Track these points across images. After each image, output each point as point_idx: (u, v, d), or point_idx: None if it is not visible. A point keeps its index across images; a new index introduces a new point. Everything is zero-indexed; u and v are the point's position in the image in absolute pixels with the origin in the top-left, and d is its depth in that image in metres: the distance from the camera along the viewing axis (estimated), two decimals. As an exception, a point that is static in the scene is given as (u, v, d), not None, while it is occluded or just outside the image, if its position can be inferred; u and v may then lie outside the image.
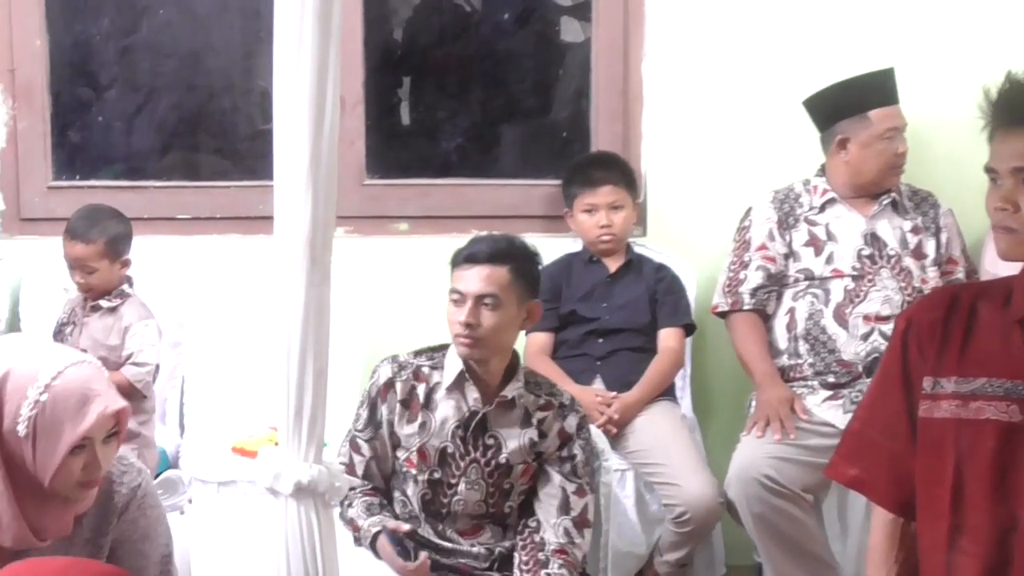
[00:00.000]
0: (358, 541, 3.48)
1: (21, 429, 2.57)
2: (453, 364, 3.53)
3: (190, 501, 3.67)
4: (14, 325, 4.62)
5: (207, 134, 5.55)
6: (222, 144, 5.54)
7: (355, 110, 4.94)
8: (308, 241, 2.30)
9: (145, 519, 2.82)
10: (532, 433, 3.53)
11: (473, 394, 3.52)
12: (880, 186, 4.58)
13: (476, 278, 3.45)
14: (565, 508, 3.52)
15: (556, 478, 3.54)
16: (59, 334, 4.31)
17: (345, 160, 4.65)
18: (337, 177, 2.36)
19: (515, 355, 3.59)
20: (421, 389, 3.56)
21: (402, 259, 4.88)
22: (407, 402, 3.56)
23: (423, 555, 3.38)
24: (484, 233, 3.63)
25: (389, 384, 3.57)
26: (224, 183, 5.12)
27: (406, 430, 3.55)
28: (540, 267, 3.59)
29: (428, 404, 3.54)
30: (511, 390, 3.52)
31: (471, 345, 3.47)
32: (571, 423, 3.56)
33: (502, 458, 3.52)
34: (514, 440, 3.52)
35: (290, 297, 2.34)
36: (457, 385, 3.53)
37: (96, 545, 2.75)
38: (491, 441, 3.53)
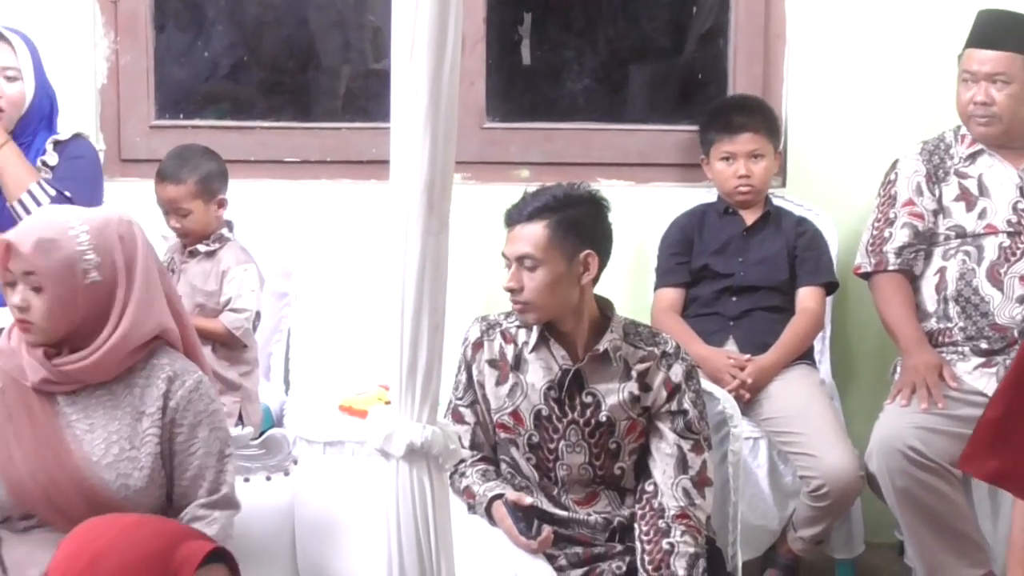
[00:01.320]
0: (472, 509, 3.50)
1: None
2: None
3: (295, 462, 3.70)
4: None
5: (317, 73, 5.57)
6: (333, 83, 5.56)
7: (475, 49, 4.94)
8: (426, 187, 2.30)
9: (202, 405, 3.15)
10: (632, 387, 3.52)
11: (560, 352, 3.52)
12: None
13: (516, 239, 3.46)
14: (682, 467, 3.51)
15: (669, 435, 3.52)
16: (160, 282, 4.36)
17: (464, 102, 4.65)
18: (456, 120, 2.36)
19: (607, 306, 3.57)
20: (510, 350, 3.57)
21: (523, 208, 4.88)
22: (496, 363, 3.58)
23: (546, 530, 3.39)
24: (534, 187, 3.60)
25: (478, 345, 3.60)
26: (335, 124, 5.14)
27: (497, 392, 3.57)
28: (604, 213, 3.53)
29: (518, 366, 3.55)
30: (604, 343, 3.51)
31: (521, 310, 3.49)
32: (677, 372, 3.54)
33: (602, 416, 3.52)
34: (613, 396, 3.52)
35: (405, 247, 2.34)
36: (542, 344, 3.54)
37: (139, 412, 3.10)
38: (588, 399, 3.52)
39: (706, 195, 4.89)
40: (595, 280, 3.51)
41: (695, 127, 4.98)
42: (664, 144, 5.13)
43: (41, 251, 3.00)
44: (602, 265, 3.52)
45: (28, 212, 4.14)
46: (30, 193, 4.17)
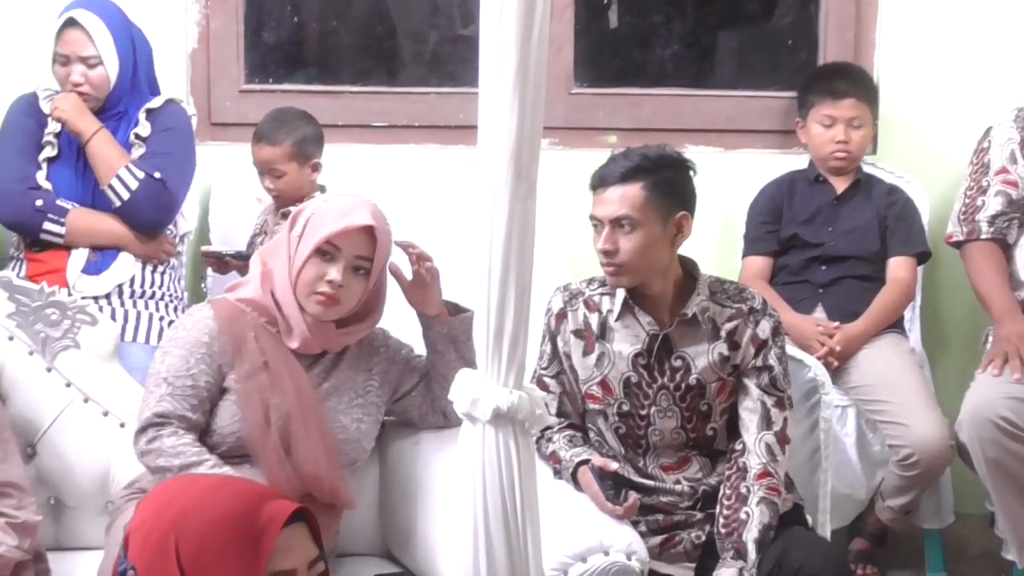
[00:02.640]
0: (558, 474, 3.51)
1: (298, 228, 3.35)
2: (620, 291, 3.54)
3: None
4: (203, 234, 4.72)
5: (405, 37, 5.58)
6: (421, 48, 5.56)
7: (564, 14, 4.94)
8: (513, 152, 2.31)
9: (399, 345, 3.62)
10: (721, 347, 3.51)
11: (646, 318, 3.52)
12: None
13: (610, 201, 3.43)
14: (766, 422, 3.50)
15: (754, 391, 3.52)
16: (251, 245, 4.39)
17: (552, 67, 4.64)
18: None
19: (691, 266, 3.56)
20: (594, 319, 3.57)
21: (610, 174, 4.87)
22: (581, 333, 3.57)
23: (633, 496, 3.39)
24: (620, 149, 3.57)
25: (562, 316, 3.60)
26: (423, 89, 5.15)
27: (585, 363, 3.57)
28: (691, 175, 3.51)
29: (603, 335, 3.55)
30: (692, 306, 3.50)
31: (615, 273, 3.46)
32: (764, 328, 3.52)
33: (692, 379, 3.51)
34: (702, 357, 3.51)
35: (493, 212, 2.35)
36: (627, 311, 3.53)
37: (366, 370, 3.52)
38: (678, 363, 3.52)
39: (795, 162, 4.86)
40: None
41: (785, 93, 4.96)
42: (753, 110, 5.11)
43: (385, 241, 3.36)
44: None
45: (119, 196, 4.23)
46: (119, 178, 4.23)
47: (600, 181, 3.46)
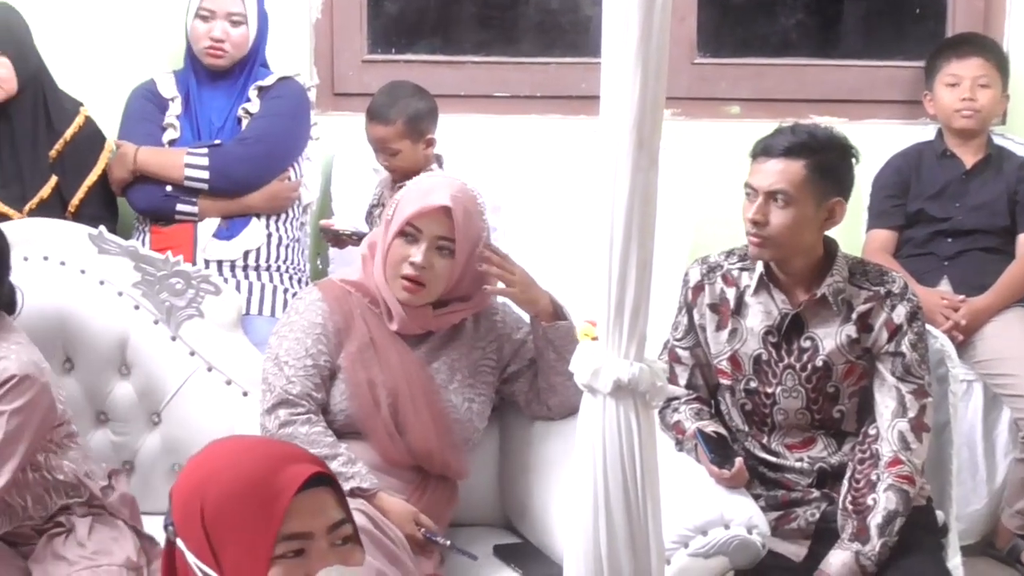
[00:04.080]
0: (680, 444, 3.50)
1: (389, 211, 3.38)
2: (758, 266, 3.50)
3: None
4: (325, 204, 4.76)
5: (527, 7, 5.57)
6: (543, 18, 5.55)
7: (688, -18, 4.91)
8: (636, 123, 2.29)
9: (518, 324, 3.60)
10: (850, 329, 3.46)
11: (780, 296, 3.48)
12: None
13: (769, 172, 3.39)
14: (901, 410, 3.45)
15: (888, 377, 3.46)
16: (369, 216, 4.41)
17: (675, 37, 4.62)
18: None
19: (832, 247, 3.52)
20: (731, 293, 3.54)
21: (732, 145, 4.79)
22: (716, 307, 3.55)
23: (738, 461, 3.37)
24: (789, 122, 3.52)
25: (699, 288, 3.58)
26: (545, 59, 5.14)
27: (718, 338, 3.54)
28: (855, 163, 3.47)
29: (739, 310, 3.52)
30: (824, 287, 3.46)
31: (759, 244, 3.42)
32: (900, 313, 3.46)
33: (819, 360, 3.47)
34: (831, 339, 3.47)
35: (615, 182, 2.33)
36: (762, 288, 3.50)
37: (480, 349, 3.53)
38: (807, 343, 3.48)
39: (922, 133, 4.80)
40: None
41: (912, 63, 4.89)
42: (879, 80, 5.04)
43: (465, 221, 3.32)
44: None
45: (200, 180, 4.31)
46: (188, 166, 4.29)
47: (763, 151, 3.42)
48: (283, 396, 3.32)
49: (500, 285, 3.45)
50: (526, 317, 3.55)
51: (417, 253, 3.29)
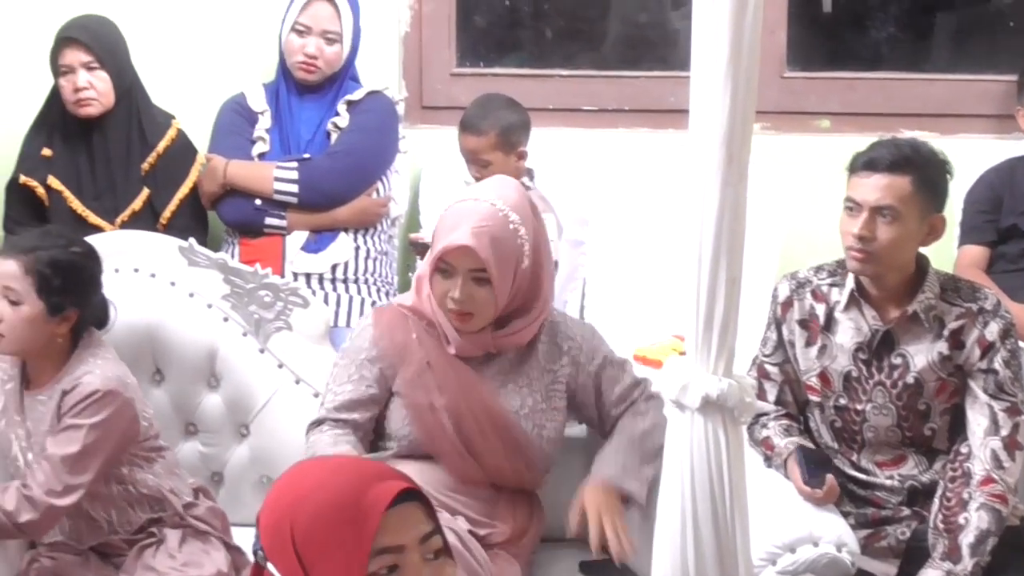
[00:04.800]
0: (769, 461, 3.48)
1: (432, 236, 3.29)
2: (848, 282, 3.47)
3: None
4: (414, 217, 4.77)
5: (616, 20, 5.57)
6: (631, 31, 5.54)
7: (778, -4, 4.89)
8: (725, 137, 2.28)
9: (592, 348, 3.42)
10: (942, 346, 3.43)
11: (870, 312, 3.45)
12: None
13: (874, 187, 3.35)
14: (993, 428, 3.41)
15: (981, 395, 3.43)
16: (459, 229, 4.42)
17: (764, 50, 4.59)
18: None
19: (923, 263, 3.48)
20: (820, 309, 3.51)
21: (822, 159, 4.81)
22: (806, 323, 3.53)
23: (829, 479, 3.34)
24: (887, 136, 3.49)
25: (788, 304, 3.55)
26: (633, 73, 5.14)
27: (807, 354, 3.52)
28: (950, 178, 3.44)
29: (828, 326, 3.50)
30: (916, 303, 3.42)
31: (863, 260, 3.39)
32: (992, 330, 3.42)
33: (910, 377, 3.44)
34: (922, 356, 3.44)
35: (704, 197, 2.32)
36: (853, 304, 3.47)
37: (551, 372, 3.38)
38: (898, 360, 3.45)
39: (1015, 148, 4.74)
40: None
41: (1005, 77, 4.83)
42: (971, 94, 4.99)
43: (495, 250, 3.17)
44: None
45: (290, 194, 4.35)
46: (277, 179, 4.33)
47: (868, 165, 3.38)
48: (323, 415, 3.35)
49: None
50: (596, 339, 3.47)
51: (454, 288, 3.20)
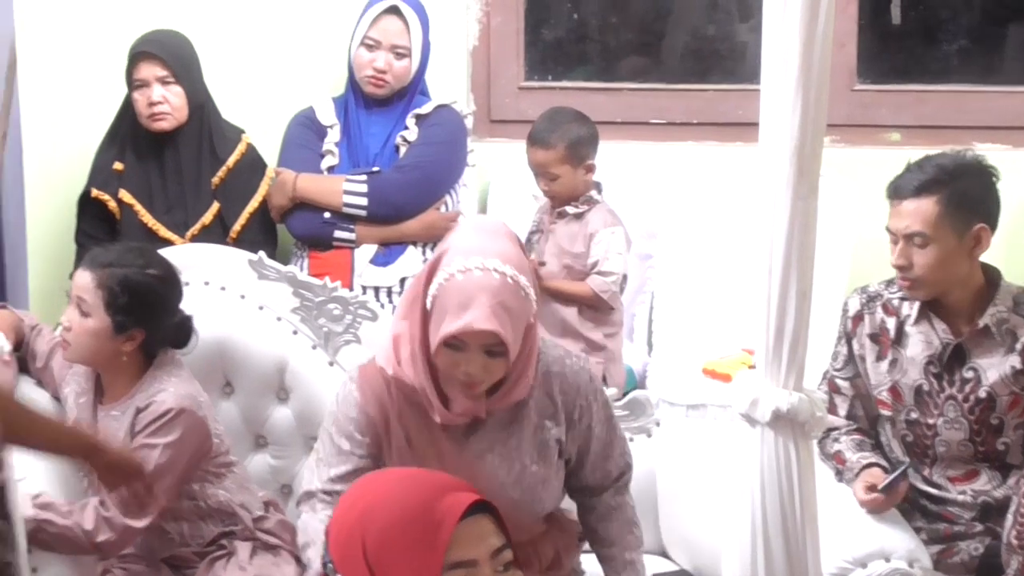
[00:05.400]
0: (840, 476, 3.46)
1: (428, 302, 2.94)
2: None
3: (658, 423, 3.73)
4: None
5: (684, 33, 5.56)
6: (700, 45, 5.54)
7: (847, 9, 4.86)
8: (796, 151, 2.29)
9: (590, 412, 3.13)
10: (1015, 360, 3.41)
11: (941, 325, 3.44)
12: None
13: (902, 215, 3.36)
14: None
15: None
16: (527, 243, 4.43)
17: (834, 63, 4.56)
18: (828, 82, 2.34)
19: (994, 275, 3.46)
20: (891, 323, 3.50)
21: (892, 172, 4.73)
22: (876, 337, 3.52)
23: (903, 485, 3.33)
24: (919, 157, 3.47)
25: (858, 318, 3.55)
26: (701, 86, 5.13)
27: (877, 368, 3.51)
28: (993, 182, 3.41)
29: (899, 340, 3.48)
30: (987, 317, 3.41)
31: (910, 287, 3.40)
32: None
33: (982, 392, 3.42)
34: (994, 370, 3.42)
35: (774, 210, 2.33)
36: (923, 317, 3.45)
37: (545, 430, 3.10)
38: (969, 374, 3.43)
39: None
40: None
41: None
42: (1045, 106, 4.96)
43: (512, 324, 2.89)
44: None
45: (359, 207, 4.37)
46: (347, 192, 4.36)
47: (894, 193, 3.39)
48: (305, 492, 3.16)
49: None
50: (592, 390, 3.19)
51: (468, 363, 2.90)
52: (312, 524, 3.07)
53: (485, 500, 2.16)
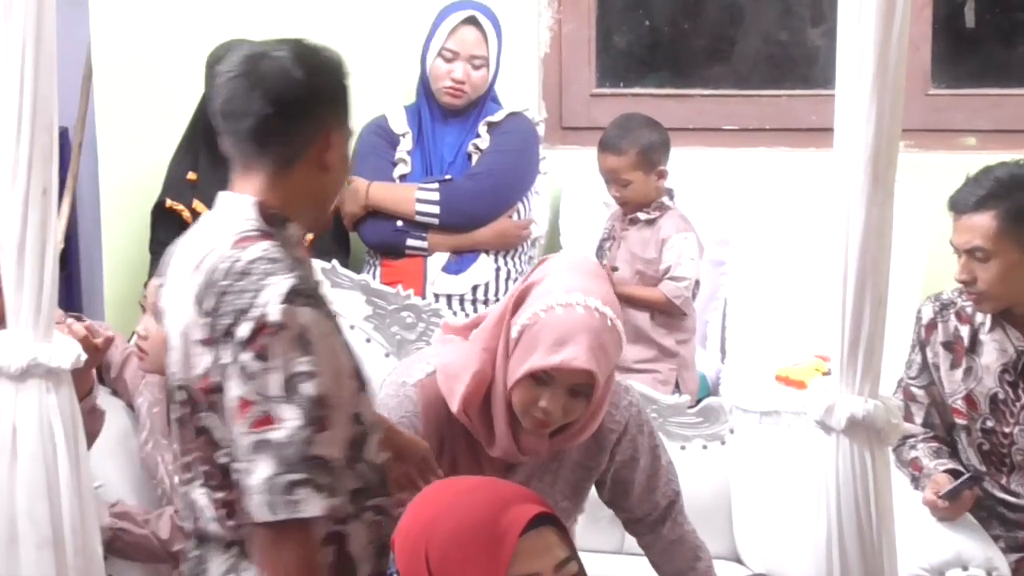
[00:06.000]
0: (917, 483, 3.45)
1: (514, 332, 2.83)
2: None
3: (731, 430, 3.72)
4: (554, 238, 4.79)
5: (756, 39, 5.55)
6: (772, 50, 5.52)
7: (921, 13, 4.83)
8: (871, 156, 2.28)
9: (634, 444, 3.07)
10: None
11: (1014, 332, 3.42)
12: None
13: (963, 229, 3.35)
14: None
15: None
16: (600, 250, 4.44)
17: (909, 67, 4.54)
18: (903, 87, 2.33)
19: None
20: (965, 331, 3.48)
21: (968, 177, 4.75)
22: (950, 345, 3.50)
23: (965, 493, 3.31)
24: (977, 170, 3.44)
25: (931, 326, 3.53)
26: (774, 92, 5.11)
27: (951, 376, 3.48)
28: None
29: (973, 348, 3.46)
30: None
31: (977, 301, 3.39)
32: None
33: None
34: None
35: (848, 217, 2.32)
36: (997, 325, 3.43)
37: (585, 468, 3.06)
38: None
39: None
40: None
41: None
42: (1125, 110, 4.91)
43: (606, 365, 2.83)
44: None
45: (431, 215, 4.38)
46: (419, 201, 4.36)
47: (953, 207, 3.39)
48: None
49: None
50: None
51: (547, 399, 2.80)
52: None
53: (550, 512, 2.17)
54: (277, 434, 2.31)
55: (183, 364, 2.49)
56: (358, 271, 4.22)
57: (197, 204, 4.41)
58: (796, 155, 4.88)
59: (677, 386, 4.23)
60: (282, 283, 2.36)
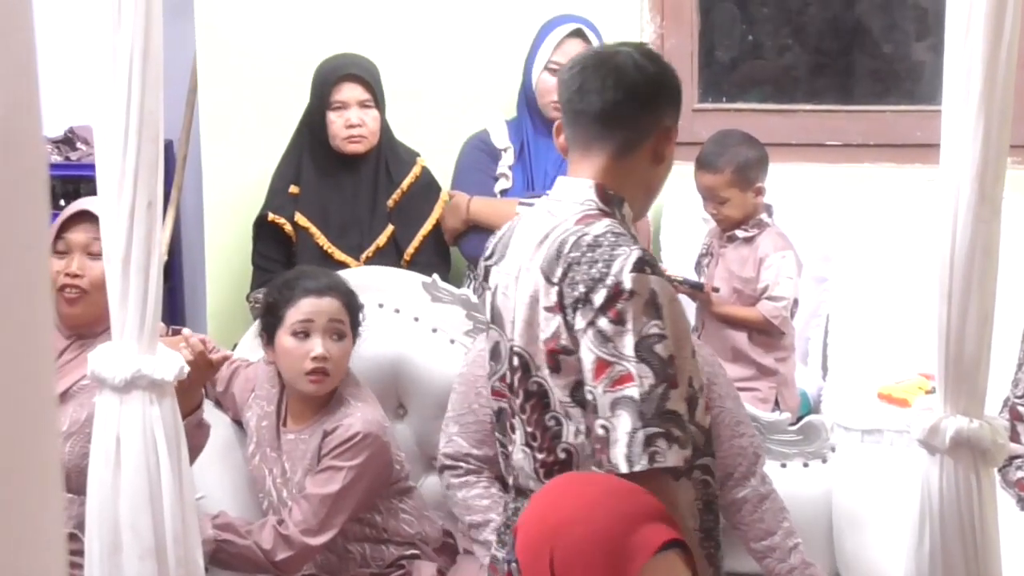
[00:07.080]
0: (1022, 504, 3.41)
1: None
2: None
3: (832, 449, 3.69)
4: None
5: (861, 54, 5.52)
6: (877, 65, 5.49)
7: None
8: (978, 173, 2.26)
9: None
10: None
11: None
12: None
13: None
14: None
15: None
16: (698, 266, 4.42)
17: (1017, 83, 4.50)
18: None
19: None
20: None
21: (1077, 194, 4.69)
22: None
23: None
24: None
25: None
26: (879, 107, 5.08)
27: None
28: None
29: None
30: None
31: None
32: None
33: None
34: None
35: (954, 234, 2.30)
36: None
37: None
38: None
39: None
40: None
41: None
42: None
43: None
44: None
45: None
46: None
47: None
48: (444, 455, 3.36)
49: None
50: None
51: None
52: (475, 502, 3.25)
53: (680, 538, 2.17)
54: (634, 391, 2.40)
55: (525, 330, 2.58)
56: (458, 285, 4.23)
57: (299, 218, 4.44)
58: (901, 171, 4.84)
59: (777, 404, 4.20)
60: (632, 254, 2.45)
